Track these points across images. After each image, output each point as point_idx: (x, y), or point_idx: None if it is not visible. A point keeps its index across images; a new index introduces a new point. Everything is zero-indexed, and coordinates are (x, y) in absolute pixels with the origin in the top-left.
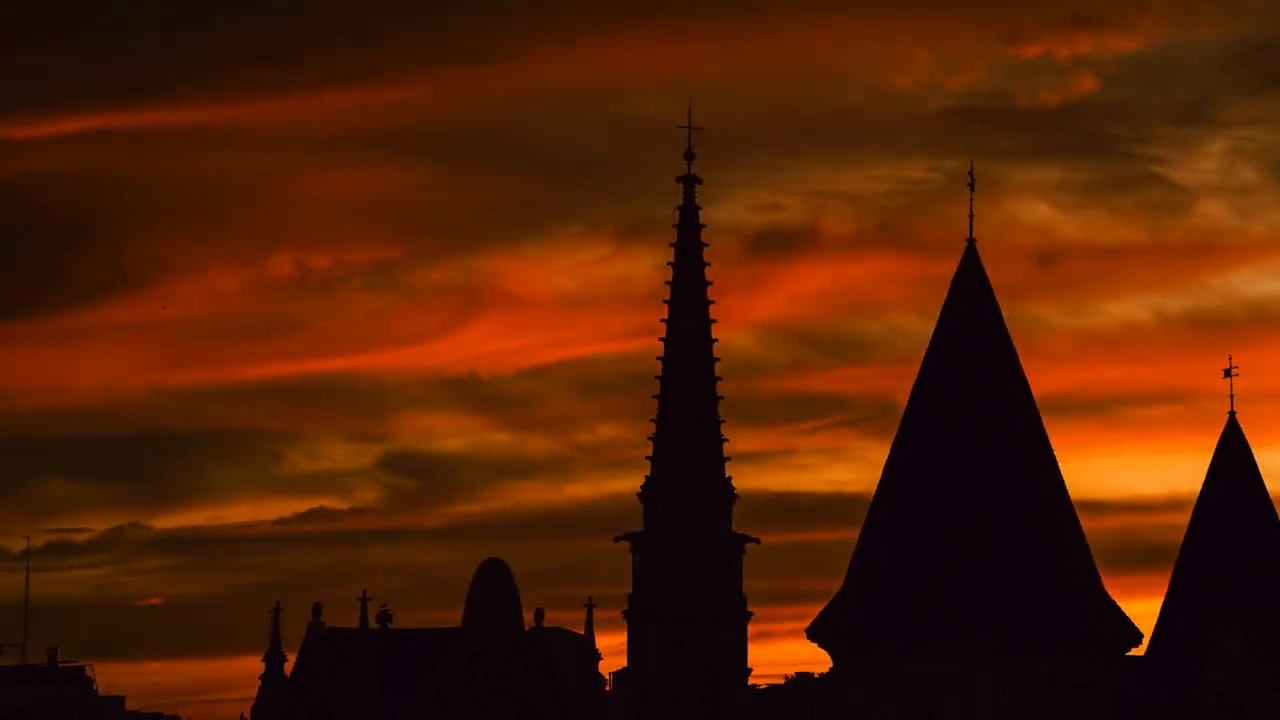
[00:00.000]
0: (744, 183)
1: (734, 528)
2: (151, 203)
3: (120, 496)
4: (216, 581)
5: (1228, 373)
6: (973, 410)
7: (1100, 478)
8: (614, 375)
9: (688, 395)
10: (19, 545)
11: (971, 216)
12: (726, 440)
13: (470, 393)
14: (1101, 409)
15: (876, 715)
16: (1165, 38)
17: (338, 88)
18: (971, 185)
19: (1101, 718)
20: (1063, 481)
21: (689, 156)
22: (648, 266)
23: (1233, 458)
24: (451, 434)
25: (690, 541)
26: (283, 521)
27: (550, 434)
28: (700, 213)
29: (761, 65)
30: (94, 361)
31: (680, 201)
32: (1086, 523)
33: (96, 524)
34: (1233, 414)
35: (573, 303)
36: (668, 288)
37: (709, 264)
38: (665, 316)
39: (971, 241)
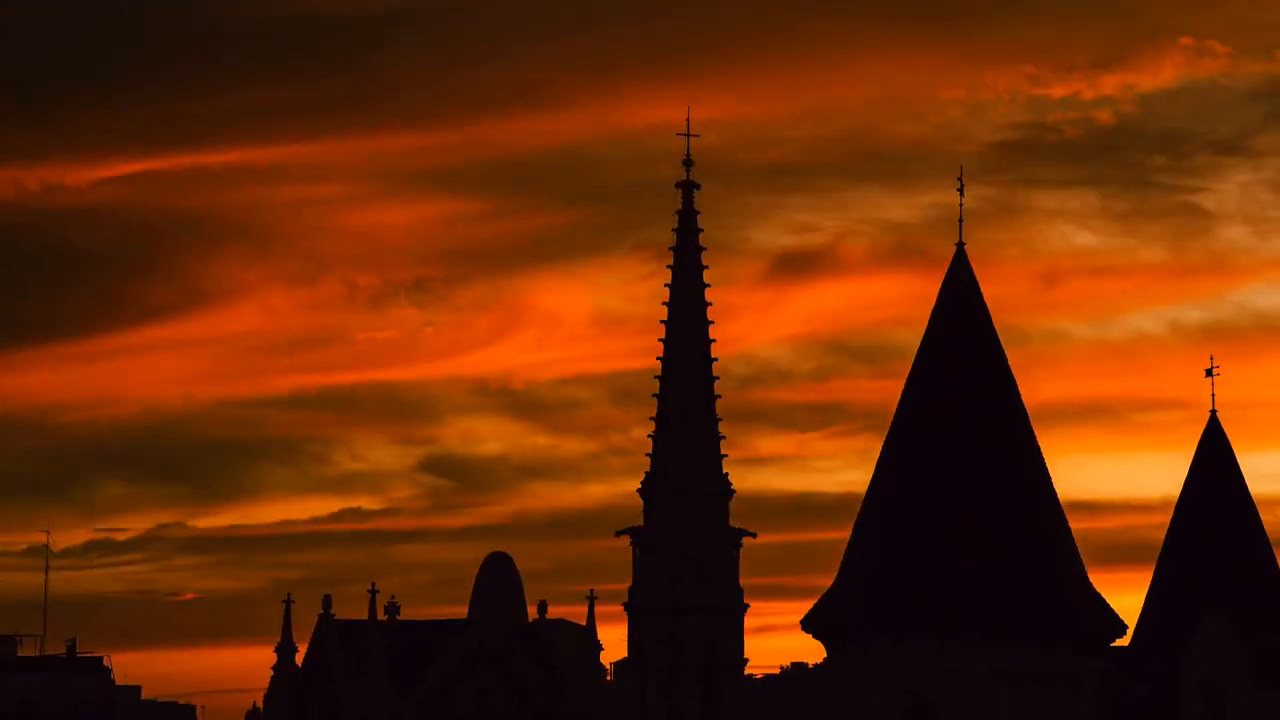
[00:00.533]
0: (786, 206)
1: (731, 523)
2: (214, 232)
3: (170, 498)
4: (247, 577)
5: (1209, 372)
6: (962, 409)
7: (1097, 477)
8: (649, 386)
9: (686, 394)
10: (64, 543)
11: (961, 221)
12: (724, 438)
13: (507, 401)
14: (1109, 412)
15: (868, 703)
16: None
17: (393, 130)
18: (961, 190)
19: (1087, 705)
20: (1050, 479)
21: (687, 163)
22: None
23: (1214, 454)
24: (488, 438)
25: (689, 536)
26: (315, 520)
27: (584, 438)
28: (698, 217)
29: (809, 103)
30: (159, 373)
31: (679, 206)
32: (1080, 521)
33: (142, 524)
34: (1214, 412)
35: (610, 319)
36: (667, 290)
37: (707, 266)
38: (665, 318)
39: (960, 245)
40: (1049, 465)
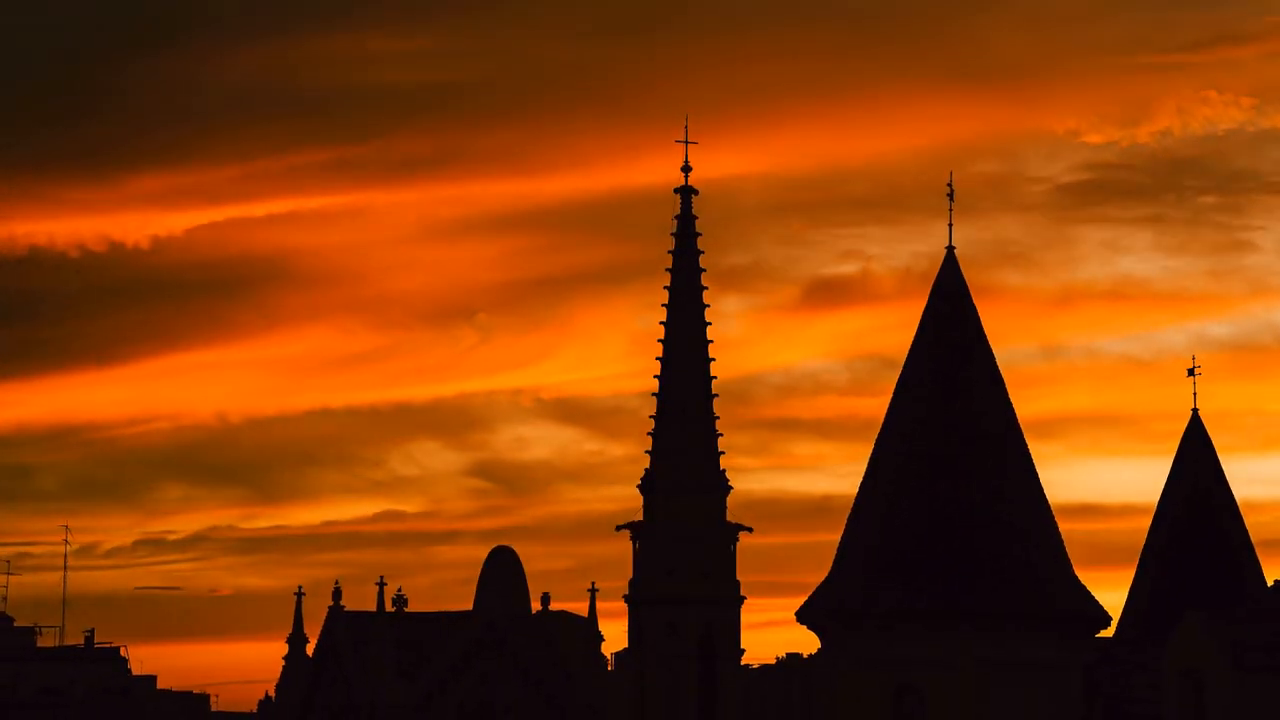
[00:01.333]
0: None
1: (728, 518)
2: (292, 267)
3: (229, 501)
4: (283, 575)
5: (1191, 372)
6: (951, 407)
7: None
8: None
9: (685, 392)
10: (114, 542)
11: (951, 226)
12: (721, 435)
13: (559, 411)
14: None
15: (860, 692)
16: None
17: (450, 181)
18: (951, 195)
19: (1072, 692)
20: (1037, 476)
21: (686, 169)
22: (721, 314)
23: (1196, 451)
24: (536, 445)
25: (687, 530)
26: (357, 521)
27: (627, 445)
28: (695, 221)
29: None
30: (237, 386)
31: (677, 211)
32: (1075, 517)
33: (194, 525)
34: (1195, 410)
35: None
36: (666, 292)
37: (704, 270)
38: (664, 319)
39: (950, 248)
40: (1061, 467)
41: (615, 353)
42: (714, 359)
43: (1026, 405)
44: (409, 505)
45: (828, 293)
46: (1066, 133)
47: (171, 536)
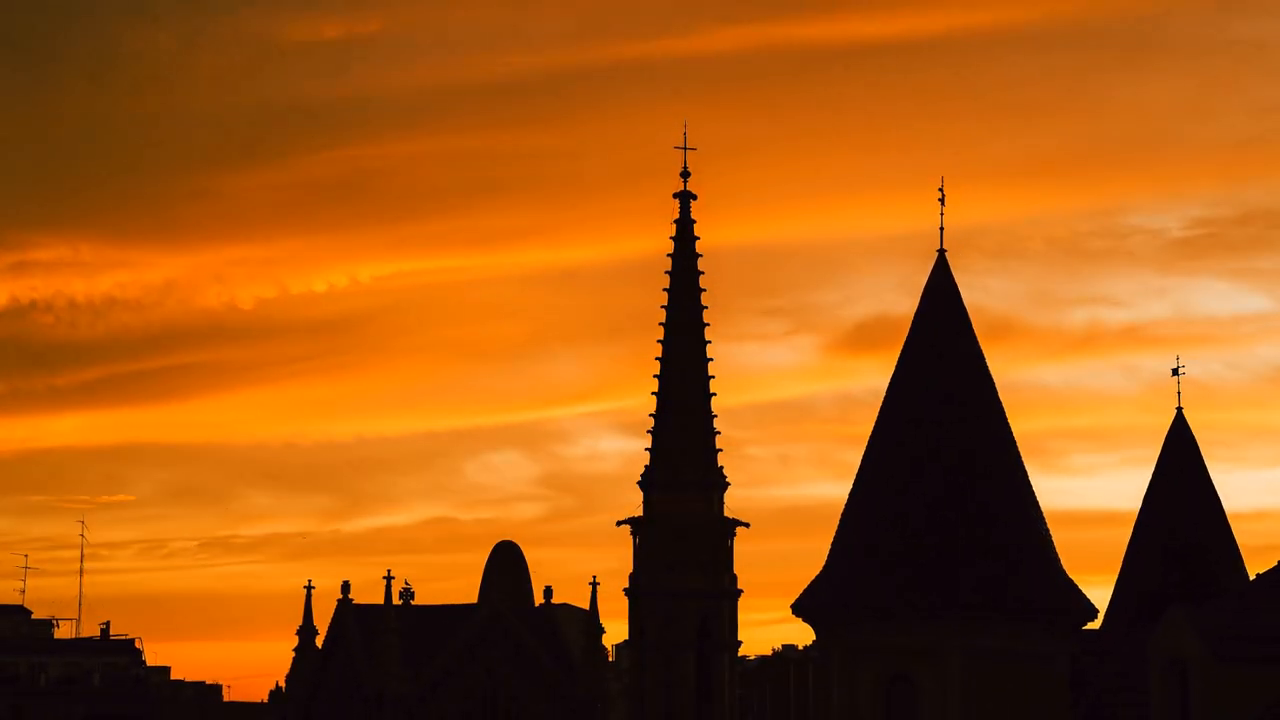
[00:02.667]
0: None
1: (726, 513)
2: (396, 325)
3: (311, 507)
4: (331, 574)
5: (1175, 371)
6: (942, 406)
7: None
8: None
9: (684, 391)
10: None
11: (942, 230)
12: (719, 433)
13: (625, 423)
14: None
15: (854, 682)
16: None
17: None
18: (942, 200)
19: (1059, 682)
20: (1026, 474)
21: (685, 175)
22: (806, 352)
23: (1180, 448)
24: (605, 458)
25: (685, 525)
26: (410, 527)
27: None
28: (694, 225)
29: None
30: (337, 412)
31: (677, 215)
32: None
33: (270, 529)
34: (1180, 409)
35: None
36: (666, 294)
37: (703, 272)
38: (664, 320)
39: (941, 251)
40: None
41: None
42: (712, 359)
43: None
44: (482, 511)
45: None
46: None
47: (237, 541)
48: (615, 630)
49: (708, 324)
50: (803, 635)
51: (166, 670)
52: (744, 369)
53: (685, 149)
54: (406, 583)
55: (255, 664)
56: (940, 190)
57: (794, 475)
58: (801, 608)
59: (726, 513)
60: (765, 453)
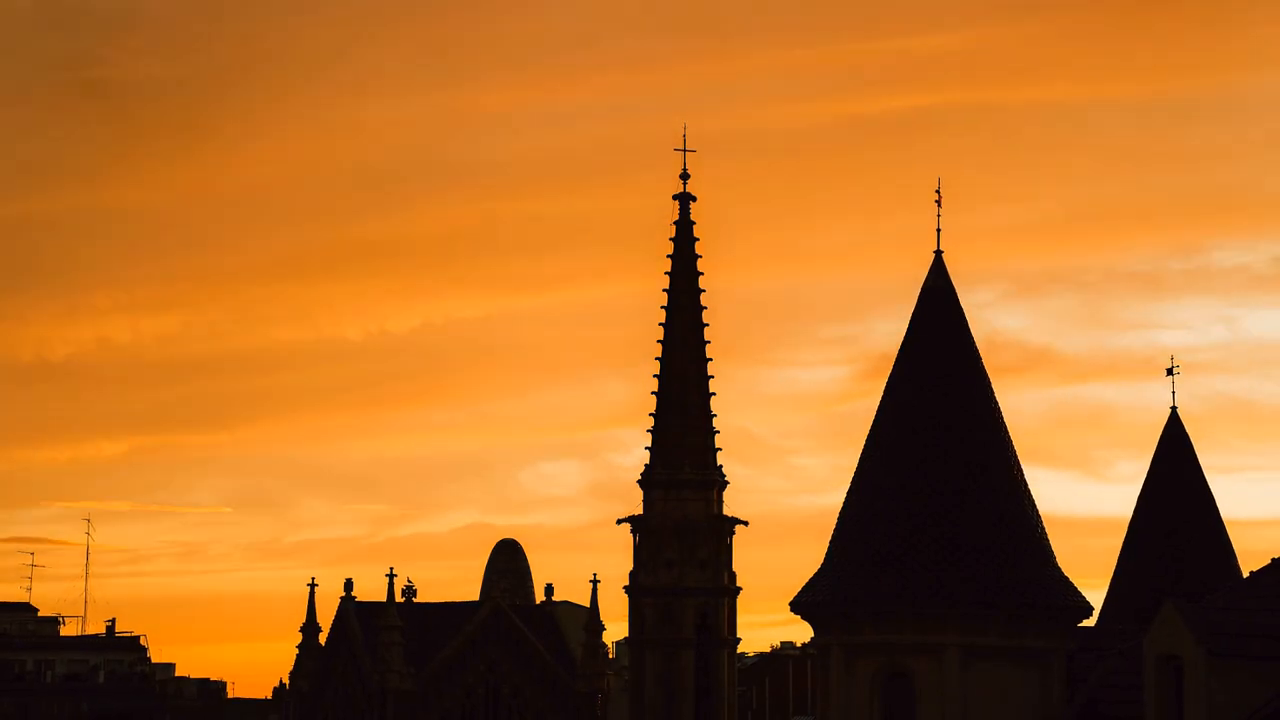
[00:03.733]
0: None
1: (725, 511)
2: (459, 365)
3: (362, 516)
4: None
5: (1170, 371)
6: (938, 407)
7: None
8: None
9: (683, 391)
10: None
11: (939, 231)
12: (718, 432)
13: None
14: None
15: (852, 679)
16: None
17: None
18: (939, 202)
19: (1055, 678)
20: (1022, 473)
21: (684, 176)
22: (866, 389)
23: (1174, 448)
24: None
25: (684, 523)
26: (443, 533)
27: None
28: (694, 226)
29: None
30: (401, 441)
31: (676, 216)
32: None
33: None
34: (1174, 409)
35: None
36: (665, 294)
37: (702, 273)
38: (663, 320)
39: (938, 253)
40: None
41: None
42: (711, 359)
43: None
44: (518, 517)
45: None
46: None
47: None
48: (615, 627)
49: (707, 324)
50: (801, 633)
51: (171, 667)
52: (744, 368)
53: (685, 150)
54: (409, 580)
55: (259, 661)
56: (937, 192)
57: (794, 475)
58: (800, 605)
59: (726, 512)
60: (765, 452)
